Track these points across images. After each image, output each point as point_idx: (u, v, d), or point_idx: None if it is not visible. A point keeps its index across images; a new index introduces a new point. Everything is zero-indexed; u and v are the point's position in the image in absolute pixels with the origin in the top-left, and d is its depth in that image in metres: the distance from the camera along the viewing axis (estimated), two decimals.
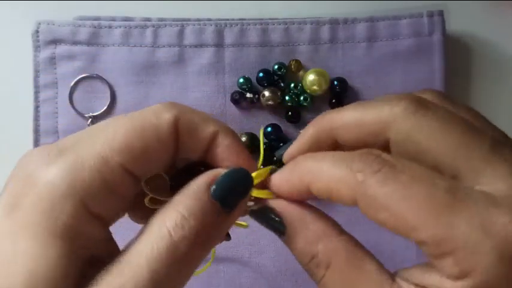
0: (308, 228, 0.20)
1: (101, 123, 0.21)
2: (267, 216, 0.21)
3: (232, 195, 0.21)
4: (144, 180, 0.21)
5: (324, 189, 0.20)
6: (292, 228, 0.21)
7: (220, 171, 0.21)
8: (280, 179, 0.22)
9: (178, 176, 0.22)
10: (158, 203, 0.21)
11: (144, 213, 0.23)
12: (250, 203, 0.22)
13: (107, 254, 0.20)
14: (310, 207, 0.21)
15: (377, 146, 0.20)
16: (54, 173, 0.19)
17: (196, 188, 0.20)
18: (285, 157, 0.23)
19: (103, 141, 0.19)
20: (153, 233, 0.19)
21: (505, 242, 0.16)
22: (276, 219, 0.21)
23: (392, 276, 0.19)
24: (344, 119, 0.21)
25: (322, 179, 0.20)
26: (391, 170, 0.18)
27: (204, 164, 0.22)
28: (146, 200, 0.22)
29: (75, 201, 0.18)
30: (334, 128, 0.21)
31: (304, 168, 0.20)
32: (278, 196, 0.22)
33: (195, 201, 0.20)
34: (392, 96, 0.20)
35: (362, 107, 0.20)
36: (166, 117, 0.21)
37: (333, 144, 0.22)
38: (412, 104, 0.19)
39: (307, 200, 0.22)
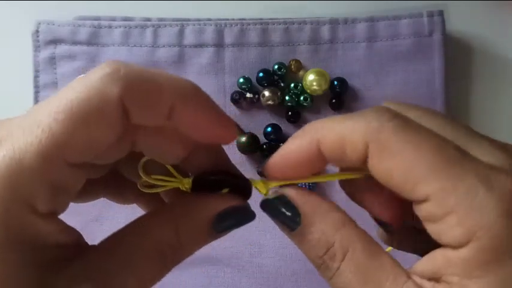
0: (326, 218, 0.20)
1: (39, 106, 0.18)
2: (280, 207, 0.21)
3: (232, 228, 0.21)
4: (140, 164, 0.21)
5: (336, 142, 0.19)
6: (308, 218, 0.20)
7: (226, 205, 0.21)
8: (289, 144, 0.21)
9: (200, 179, 0.22)
10: (151, 187, 0.21)
11: (124, 191, 0.24)
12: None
13: (64, 240, 0.19)
14: (323, 198, 0.21)
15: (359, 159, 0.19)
16: None
17: (200, 223, 0.21)
18: (268, 166, 0.22)
19: (41, 135, 0.17)
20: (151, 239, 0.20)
21: (509, 198, 0.16)
22: (290, 210, 0.20)
23: (407, 272, 0.19)
24: (325, 130, 0.20)
25: (335, 133, 0.19)
26: (405, 121, 0.18)
27: (226, 173, 0.22)
28: (139, 183, 0.22)
29: (19, 204, 0.17)
30: (317, 140, 0.20)
31: (314, 127, 0.20)
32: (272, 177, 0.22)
33: (196, 234, 0.20)
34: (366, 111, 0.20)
35: (340, 119, 0.20)
36: (111, 96, 0.18)
37: (317, 156, 0.21)
38: (386, 112, 0.19)
39: (314, 171, 0.21)
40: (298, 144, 0.21)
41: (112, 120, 0.18)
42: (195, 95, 0.20)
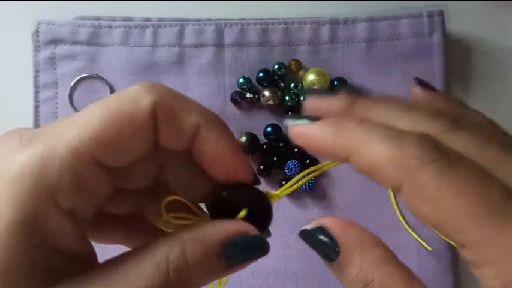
0: (366, 254, 0.19)
1: (78, 113, 0.19)
2: (319, 239, 0.20)
3: (243, 259, 0.20)
4: (163, 204, 0.21)
5: (367, 165, 0.18)
6: (348, 253, 0.19)
7: (238, 229, 0.20)
8: (320, 132, 0.20)
9: (217, 199, 0.21)
10: (172, 227, 0.21)
11: (109, 234, 0.24)
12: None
13: (77, 250, 0.19)
14: (365, 230, 0.20)
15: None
16: (22, 160, 0.18)
17: (208, 246, 0.19)
18: (295, 133, 0.21)
19: (75, 132, 0.18)
20: (153, 264, 0.18)
21: None
22: (330, 242, 0.19)
23: None
24: (360, 147, 0.18)
25: (369, 154, 0.18)
26: (449, 163, 0.16)
27: (244, 187, 0.21)
28: (161, 222, 0.21)
29: (43, 193, 0.17)
30: (348, 153, 0.19)
31: (351, 136, 0.18)
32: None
33: (204, 257, 0.19)
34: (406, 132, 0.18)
35: (379, 138, 0.18)
36: (143, 104, 0.19)
37: (344, 160, 0.19)
38: (428, 149, 0.17)
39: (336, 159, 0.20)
40: (327, 145, 0.19)
41: (143, 129, 0.19)
42: (220, 123, 0.20)
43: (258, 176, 0.22)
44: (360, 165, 0.18)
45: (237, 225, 0.20)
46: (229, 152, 0.20)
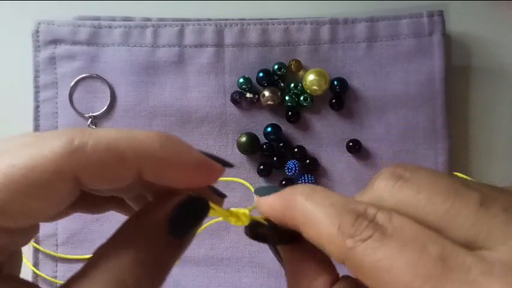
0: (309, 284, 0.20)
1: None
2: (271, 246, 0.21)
3: (187, 227, 0.20)
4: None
5: (313, 239, 0.19)
6: (292, 276, 0.21)
7: (176, 201, 0.19)
8: (270, 206, 0.21)
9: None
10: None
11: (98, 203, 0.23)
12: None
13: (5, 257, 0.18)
14: (316, 256, 0.21)
15: None
16: None
17: (155, 229, 0.19)
18: (257, 204, 0.22)
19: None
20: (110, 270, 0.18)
21: None
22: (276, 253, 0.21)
23: None
24: (304, 222, 0.19)
25: (313, 229, 0.19)
26: (382, 236, 0.17)
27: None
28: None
29: None
30: (293, 224, 0.20)
31: (297, 208, 0.19)
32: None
33: (154, 244, 0.18)
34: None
35: (325, 212, 0.19)
36: (63, 168, 0.17)
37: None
38: (362, 227, 0.18)
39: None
40: (278, 215, 0.20)
41: (59, 195, 0.17)
42: (165, 151, 0.18)
43: (228, 161, 0.21)
44: (308, 238, 0.19)
45: (173, 199, 0.19)
46: (184, 169, 0.19)
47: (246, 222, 0.22)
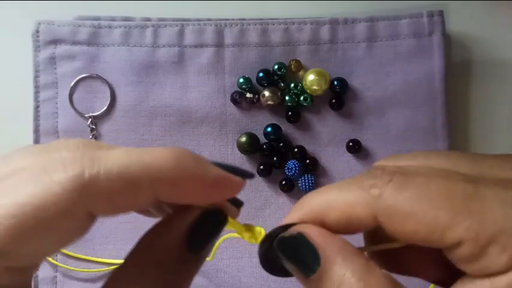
0: (349, 263, 0.18)
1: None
2: (297, 248, 0.19)
3: (205, 242, 0.19)
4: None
5: (340, 217, 0.18)
6: (329, 262, 0.18)
7: (193, 216, 0.19)
8: (289, 221, 0.20)
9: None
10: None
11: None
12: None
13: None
14: (347, 242, 0.19)
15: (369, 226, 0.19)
16: None
17: (173, 248, 0.18)
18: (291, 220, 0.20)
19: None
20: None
21: None
22: (309, 251, 0.18)
23: None
24: (326, 209, 0.19)
25: (336, 208, 0.18)
26: (403, 176, 0.17)
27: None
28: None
29: None
30: (321, 215, 0.19)
31: (313, 203, 0.19)
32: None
33: (172, 264, 0.18)
34: (365, 174, 0.19)
35: (338, 192, 0.19)
36: (73, 205, 0.15)
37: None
38: (379, 175, 0.18)
39: None
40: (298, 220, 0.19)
41: (70, 232, 0.16)
42: (180, 171, 0.17)
43: (249, 172, 0.21)
44: (335, 222, 0.19)
45: (190, 214, 0.19)
46: (204, 187, 0.18)
47: (259, 241, 0.20)
